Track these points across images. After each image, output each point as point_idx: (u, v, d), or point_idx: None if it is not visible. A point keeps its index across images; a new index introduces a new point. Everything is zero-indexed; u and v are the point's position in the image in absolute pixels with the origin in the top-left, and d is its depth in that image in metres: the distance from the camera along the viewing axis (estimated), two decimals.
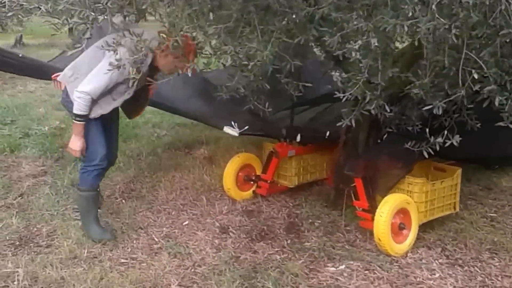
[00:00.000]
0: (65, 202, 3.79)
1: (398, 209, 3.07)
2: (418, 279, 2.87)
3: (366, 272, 2.94)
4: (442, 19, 2.34)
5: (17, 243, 3.21)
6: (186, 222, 3.53)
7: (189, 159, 4.76)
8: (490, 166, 4.36)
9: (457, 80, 2.62)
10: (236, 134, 3.20)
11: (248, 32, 2.80)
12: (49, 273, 2.81)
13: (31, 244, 3.18)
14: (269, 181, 3.77)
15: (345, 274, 2.92)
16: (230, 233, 3.38)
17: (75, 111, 2.99)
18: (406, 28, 2.40)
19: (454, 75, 2.65)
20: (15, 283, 2.74)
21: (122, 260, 3.02)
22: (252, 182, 3.91)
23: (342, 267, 2.99)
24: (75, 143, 3.09)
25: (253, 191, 3.91)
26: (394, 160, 3.18)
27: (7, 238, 3.27)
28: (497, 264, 3.02)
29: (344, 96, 2.69)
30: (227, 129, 3.26)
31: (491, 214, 3.67)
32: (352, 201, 3.35)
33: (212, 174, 4.33)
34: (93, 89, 2.93)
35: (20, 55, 4.18)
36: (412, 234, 3.15)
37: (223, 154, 4.74)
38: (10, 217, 3.50)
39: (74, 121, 3.05)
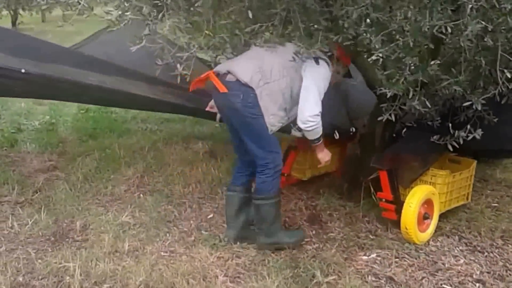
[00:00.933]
0: (85, 197, 3.81)
1: (425, 200, 3.25)
2: (446, 265, 3.06)
3: (397, 259, 3.11)
4: (483, 23, 2.53)
5: (52, 238, 3.23)
6: (211, 215, 3.61)
7: (190, 153, 4.81)
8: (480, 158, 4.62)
9: (490, 79, 2.84)
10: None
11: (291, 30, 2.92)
12: (99, 266, 2.83)
13: (67, 240, 3.20)
14: (286, 174, 3.87)
15: (378, 262, 3.08)
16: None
17: (315, 137, 3.03)
18: (450, 29, 2.58)
19: (488, 74, 2.87)
20: (67, 278, 2.74)
21: (163, 253, 3.07)
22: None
23: (374, 255, 3.15)
24: (325, 157, 3.19)
25: None
26: (418, 154, 3.37)
27: (40, 234, 3.28)
28: (511, 251, 3.24)
29: (389, 92, 2.85)
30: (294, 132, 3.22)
31: (494, 204, 3.92)
32: (370, 193, 3.52)
33: (219, 168, 4.40)
34: (319, 106, 2.94)
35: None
36: (433, 223, 3.36)
37: (223, 148, 4.82)
38: (37, 213, 3.49)
39: (314, 143, 3.07)
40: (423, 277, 2.93)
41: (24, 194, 3.80)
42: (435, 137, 3.22)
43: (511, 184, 4.32)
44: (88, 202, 3.72)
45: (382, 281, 2.87)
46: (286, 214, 3.67)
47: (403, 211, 3.21)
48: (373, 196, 3.59)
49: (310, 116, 2.92)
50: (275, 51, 2.96)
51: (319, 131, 3.01)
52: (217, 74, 2.96)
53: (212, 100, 3.15)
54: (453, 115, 3.38)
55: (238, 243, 3.17)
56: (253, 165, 3.08)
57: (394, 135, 3.74)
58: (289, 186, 4.09)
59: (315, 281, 2.82)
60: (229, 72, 2.92)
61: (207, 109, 3.24)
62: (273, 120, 2.94)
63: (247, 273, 2.91)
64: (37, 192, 3.84)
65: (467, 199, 3.68)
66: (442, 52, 3.11)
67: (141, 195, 3.89)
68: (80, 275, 2.78)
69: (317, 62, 2.94)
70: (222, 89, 2.89)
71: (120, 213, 3.53)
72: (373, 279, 2.89)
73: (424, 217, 3.29)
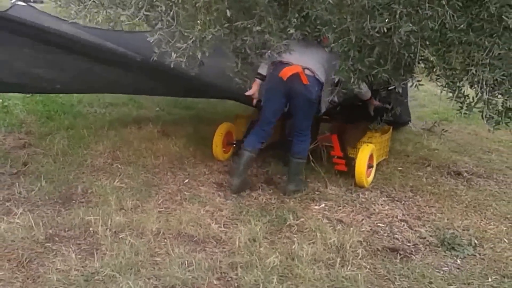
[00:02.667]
0: (70, 168, 4.32)
1: (370, 155, 4.28)
2: (376, 211, 4.07)
3: (339, 208, 4.06)
4: (411, 25, 3.52)
5: (60, 201, 3.75)
6: (186, 181, 4.32)
7: (146, 132, 5.41)
8: None
9: (409, 68, 3.87)
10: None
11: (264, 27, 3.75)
12: (114, 219, 3.47)
13: (73, 202, 3.75)
14: None
15: (327, 210, 4.01)
16: (227, 187, 4.25)
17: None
18: (386, 30, 3.55)
19: (407, 65, 3.89)
20: (91, 229, 3.36)
21: (159, 209, 3.76)
22: (233, 145, 4.80)
23: (322, 205, 4.08)
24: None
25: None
26: (357, 123, 4.44)
27: (47, 197, 3.79)
28: (420, 200, 4.33)
29: (336, 78, 3.80)
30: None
31: (400, 168, 5.02)
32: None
33: (176, 144, 5.09)
34: None
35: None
36: (373, 171, 4.49)
37: (172, 128, 5.51)
38: (37, 181, 3.96)
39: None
40: (362, 219, 3.90)
41: (13, 167, 4.23)
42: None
43: (408, 153, 5.46)
44: (75, 172, 4.24)
45: (334, 222, 3.80)
46: (249, 177, 4.45)
47: (357, 163, 4.22)
48: (312, 163, 4.52)
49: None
50: (322, 52, 4.09)
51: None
52: (302, 68, 3.98)
53: (254, 87, 4.13)
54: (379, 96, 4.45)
55: (239, 191, 4.12)
56: (268, 136, 4.25)
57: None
58: None
59: (288, 223, 3.68)
60: (307, 68, 3.99)
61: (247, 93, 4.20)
62: (323, 104, 4.13)
63: (233, 221, 3.70)
64: (25, 165, 4.28)
65: (386, 155, 4.79)
66: (374, 46, 4.06)
67: (119, 165, 4.48)
68: (102, 226, 3.39)
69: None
70: (306, 81, 3.96)
71: (110, 180, 4.12)
72: (327, 221, 3.80)
73: (368, 166, 4.30)
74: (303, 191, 4.22)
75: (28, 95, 6.24)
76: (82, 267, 2.97)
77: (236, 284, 2.95)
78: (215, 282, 2.96)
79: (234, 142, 4.91)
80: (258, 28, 3.62)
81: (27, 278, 2.84)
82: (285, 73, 3.97)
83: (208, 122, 5.68)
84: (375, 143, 4.62)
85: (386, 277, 3.17)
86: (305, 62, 4.03)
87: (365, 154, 4.35)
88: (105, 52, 3.70)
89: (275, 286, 2.92)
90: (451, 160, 5.31)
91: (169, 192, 4.07)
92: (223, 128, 4.83)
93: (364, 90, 4.30)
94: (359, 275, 3.11)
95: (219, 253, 3.24)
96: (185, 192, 4.08)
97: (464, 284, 3.17)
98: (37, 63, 3.83)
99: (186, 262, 3.09)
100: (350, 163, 4.45)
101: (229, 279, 3.00)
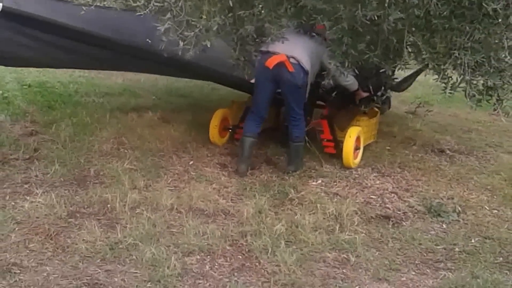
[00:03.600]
0: (79, 152, 4.55)
1: (356, 137, 4.59)
2: (368, 185, 4.41)
3: (335, 183, 4.39)
4: (399, 13, 3.83)
5: (75, 182, 4.02)
6: (191, 162, 4.60)
7: (146, 120, 5.67)
8: None
9: (398, 53, 4.20)
10: None
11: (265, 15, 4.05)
12: (129, 196, 3.74)
13: (88, 182, 4.02)
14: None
15: (324, 185, 4.33)
16: (229, 168, 4.55)
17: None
18: (376, 17, 3.86)
19: (396, 50, 4.22)
20: (108, 205, 3.64)
21: (170, 188, 4.05)
22: (229, 130, 5.09)
23: (319, 181, 4.40)
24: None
25: (235, 137, 5.07)
26: (347, 108, 4.75)
27: (63, 179, 4.05)
28: (408, 174, 4.67)
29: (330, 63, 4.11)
30: None
31: (388, 147, 5.37)
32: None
33: (176, 129, 5.36)
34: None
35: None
36: (360, 153, 4.79)
37: (171, 116, 5.79)
38: (51, 165, 4.21)
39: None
40: (356, 192, 4.24)
41: (25, 153, 4.45)
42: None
43: (395, 134, 5.82)
44: (85, 156, 4.49)
45: (331, 195, 4.12)
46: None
47: (344, 145, 4.53)
48: (308, 145, 4.83)
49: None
50: (308, 42, 4.37)
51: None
52: (287, 56, 4.22)
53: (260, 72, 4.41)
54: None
55: (246, 174, 4.42)
56: (263, 120, 4.56)
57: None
58: None
59: (289, 197, 4.00)
60: (292, 57, 4.23)
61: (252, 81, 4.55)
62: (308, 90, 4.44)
63: (239, 196, 4.01)
64: (36, 151, 4.51)
65: (374, 138, 5.11)
66: (365, 33, 4.38)
67: (126, 150, 4.73)
68: (118, 202, 3.67)
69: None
70: (291, 69, 4.25)
71: (119, 163, 4.38)
72: (325, 194, 4.13)
73: (355, 149, 4.62)
74: (299, 169, 4.53)
75: (25, 86, 6.45)
76: (106, 238, 3.25)
77: (247, 249, 3.26)
78: (228, 248, 3.27)
79: (230, 127, 5.19)
80: (259, 17, 3.90)
81: (57, 248, 3.11)
82: (271, 62, 4.26)
83: (205, 109, 5.94)
84: (363, 126, 4.92)
85: (380, 240, 3.51)
86: (290, 51, 4.29)
87: (352, 137, 4.65)
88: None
89: (282, 249, 3.23)
90: (435, 139, 5.66)
91: (176, 172, 4.35)
92: (219, 114, 5.11)
93: (351, 81, 4.61)
94: (356, 238, 3.45)
95: (229, 224, 3.55)
96: (192, 172, 4.37)
97: (450, 245, 3.52)
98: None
99: (200, 231, 3.39)
100: (339, 145, 4.75)
101: (240, 245, 3.31)
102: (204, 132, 5.20)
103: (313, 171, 4.59)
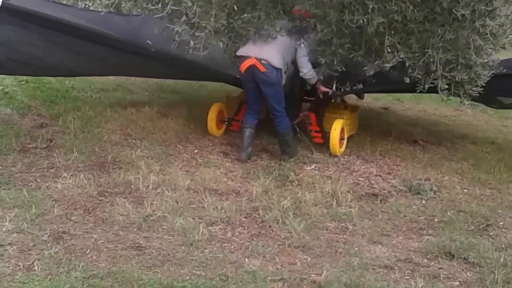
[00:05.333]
0: (91, 142, 4.95)
1: (341, 128, 5.16)
2: (356, 169, 4.97)
3: (326, 168, 4.94)
4: (382, 18, 4.42)
5: (95, 167, 4.45)
6: (196, 151, 5.08)
7: (145, 114, 6.07)
8: None
9: (379, 54, 4.78)
10: None
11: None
12: (150, 178, 4.22)
13: (108, 167, 4.46)
14: (240, 120, 5.48)
15: (317, 170, 4.88)
16: (231, 155, 5.05)
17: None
18: (362, 22, 4.44)
19: (377, 50, 4.80)
20: (132, 186, 4.10)
21: (182, 172, 4.51)
22: (225, 123, 5.59)
23: (312, 167, 4.94)
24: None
25: (230, 128, 5.58)
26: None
27: (84, 165, 4.47)
28: (388, 161, 5.26)
29: (323, 61, 4.67)
30: None
31: (369, 138, 5.94)
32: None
33: (176, 122, 5.81)
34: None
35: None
36: (345, 143, 5.35)
37: (167, 110, 6.24)
38: (70, 152, 4.62)
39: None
40: (346, 175, 4.80)
41: (42, 142, 4.83)
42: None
43: (373, 127, 6.40)
44: (98, 145, 4.90)
45: (325, 178, 4.67)
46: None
47: (331, 136, 5.07)
48: (299, 135, 5.38)
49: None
50: (281, 39, 4.77)
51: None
52: (257, 59, 4.66)
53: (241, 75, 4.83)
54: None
55: (247, 161, 4.91)
56: (259, 112, 5.01)
57: None
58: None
59: (290, 179, 4.53)
60: (262, 59, 4.64)
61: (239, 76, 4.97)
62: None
63: (245, 179, 4.51)
64: (51, 141, 4.90)
65: (355, 130, 5.71)
66: (351, 35, 4.93)
67: (133, 140, 5.17)
68: (141, 183, 4.13)
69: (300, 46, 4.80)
70: (263, 69, 4.68)
71: (132, 151, 4.82)
72: (319, 177, 4.67)
73: (340, 139, 5.19)
74: (293, 156, 5.06)
75: (23, 82, 6.77)
76: (137, 212, 3.71)
77: (260, 220, 3.78)
78: (243, 219, 3.78)
79: (226, 120, 5.70)
80: (261, 19, 4.43)
81: (97, 220, 3.56)
82: (243, 66, 4.77)
83: (197, 104, 6.45)
84: (346, 118, 5.50)
85: (371, 213, 4.08)
86: (260, 53, 4.72)
87: (338, 128, 5.21)
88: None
89: (291, 220, 3.76)
90: (408, 131, 6.29)
91: (184, 159, 4.83)
92: (215, 107, 5.60)
93: (308, 74, 4.96)
94: (352, 211, 4.01)
95: (242, 200, 4.05)
96: (198, 159, 4.85)
97: (430, 216, 4.11)
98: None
99: (218, 207, 3.89)
100: (326, 136, 5.32)
101: (254, 217, 3.82)
102: (201, 124, 5.68)
103: (306, 158, 5.13)
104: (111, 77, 7.62)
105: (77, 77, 7.17)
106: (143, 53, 4.56)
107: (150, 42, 4.63)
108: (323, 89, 5.16)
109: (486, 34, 4.31)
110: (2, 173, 4.10)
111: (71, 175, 4.16)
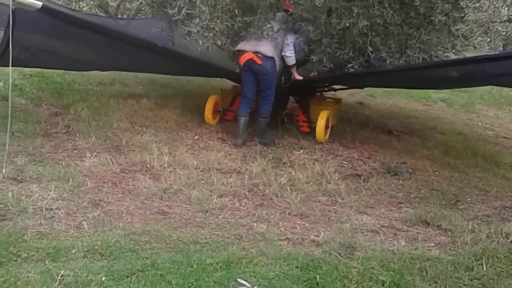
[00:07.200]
0: (104, 129, 5.47)
1: (326, 118, 5.82)
2: (339, 154, 5.64)
3: (313, 153, 5.57)
4: (366, 21, 5.07)
5: (112, 150, 4.97)
6: (196, 137, 5.66)
7: (146, 105, 6.62)
8: None
9: (362, 52, 5.45)
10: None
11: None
12: (162, 158, 4.76)
13: (123, 150, 4.99)
14: (235, 111, 6.07)
15: (305, 154, 5.51)
16: (228, 141, 5.65)
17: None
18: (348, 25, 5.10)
19: (361, 49, 5.47)
20: (147, 165, 4.65)
21: (188, 155, 5.07)
22: (220, 113, 6.19)
23: (301, 152, 5.57)
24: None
25: (225, 118, 6.17)
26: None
27: (103, 147, 4.99)
28: (367, 148, 5.91)
29: (314, 58, 5.31)
30: None
31: (348, 128, 6.62)
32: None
33: (174, 112, 6.37)
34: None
35: None
36: (329, 131, 6.01)
37: (164, 102, 6.80)
38: (88, 137, 5.13)
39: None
40: (331, 159, 5.45)
41: (61, 128, 5.33)
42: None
43: (351, 119, 7.09)
44: (111, 131, 5.43)
45: (313, 161, 5.30)
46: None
47: (317, 125, 5.72)
48: (287, 125, 6.01)
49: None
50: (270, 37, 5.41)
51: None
52: (253, 53, 5.32)
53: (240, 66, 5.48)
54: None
55: (242, 147, 5.50)
56: (252, 103, 5.57)
57: None
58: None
59: (283, 161, 5.16)
60: (258, 52, 5.28)
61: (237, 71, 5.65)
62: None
63: (244, 161, 5.11)
64: (68, 127, 5.41)
65: (336, 121, 6.37)
66: (337, 36, 5.58)
67: (140, 128, 5.71)
68: (156, 163, 4.69)
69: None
70: (259, 62, 5.30)
71: (141, 136, 5.37)
72: (308, 160, 5.30)
73: (326, 127, 5.85)
74: (271, 145, 5.63)
75: (28, 76, 7.22)
76: (156, 185, 4.26)
77: (262, 194, 4.38)
78: (247, 193, 4.37)
79: (221, 110, 6.29)
80: (261, 21, 5.05)
81: (124, 191, 4.10)
82: (242, 59, 5.49)
83: (189, 97, 7.08)
84: (330, 110, 6.16)
85: (356, 189, 4.73)
86: (256, 47, 5.45)
87: (324, 118, 5.89)
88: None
89: (288, 194, 4.38)
90: (383, 123, 7.00)
91: (187, 144, 5.40)
92: (212, 99, 6.19)
93: (289, 53, 5.56)
94: (340, 188, 4.65)
95: (244, 178, 4.64)
96: (200, 144, 5.43)
97: (407, 193, 4.78)
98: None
99: (225, 182, 4.47)
100: (312, 125, 5.97)
101: (257, 191, 4.42)
102: (196, 114, 6.27)
103: (294, 144, 5.76)
104: (105, 72, 8.11)
105: (75, 72, 7.65)
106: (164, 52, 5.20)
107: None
108: (298, 76, 5.81)
109: (459, 36, 4.99)
110: (34, 153, 4.60)
111: (94, 156, 4.68)
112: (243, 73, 5.60)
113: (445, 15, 4.90)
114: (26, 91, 6.56)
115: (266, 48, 5.46)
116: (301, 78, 5.80)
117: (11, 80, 4.45)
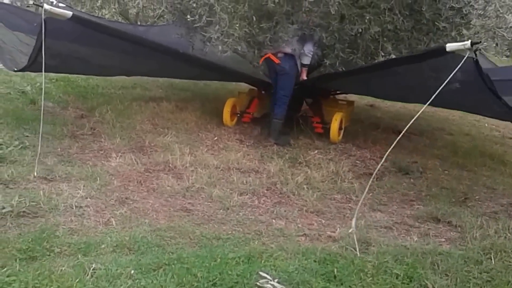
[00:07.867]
0: (127, 131, 5.72)
1: (341, 120, 6.04)
2: (353, 154, 5.85)
3: (326, 153, 5.79)
4: (378, 27, 5.30)
5: (135, 150, 5.23)
6: (216, 138, 5.90)
7: (167, 107, 6.85)
8: None
9: (375, 55, 5.67)
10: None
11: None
12: (184, 158, 5.01)
13: (146, 150, 5.24)
14: (252, 113, 6.33)
15: (320, 154, 5.73)
16: (246, 142, 5.89)
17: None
18: (361, 30, 5.32)
19: (374, 53, 5.68)
20: (170, 164, 4.89)
21: (208, 155, 5.32)
22: (237, 115, 6.44)
23: (316, 152, 5.80)
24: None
25: (242, 120, 6.42)
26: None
27: (128, 148, 5.25)
28: (379, 148, 6.10)
29: (325, 63, 5.55)
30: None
31: (360, 130, 6.84)
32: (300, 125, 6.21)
33: (194, 114, 6.62)
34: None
35: None
36: (342, 132, 6.21)
37: (183, 104, 7.05)
38: (113, 139, 5.40)
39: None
40: (345, 158, 5.67)
41: (87, 130, 5.60)
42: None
43: (363, 121, 7.31)
44: (135, 132, 5.69)
45: (328, 160, 5.53)
46: (259, 135, 6.11)
47: (331, 126, 5.95)
48: (302, 126, 6.24)
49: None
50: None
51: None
52: (272, 54, 5.60)
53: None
54: None
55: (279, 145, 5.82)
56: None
57: None
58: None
59: (299, 161, 5.39)
60: (279, 52, 5.56)
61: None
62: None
63: (263, 160, 5.35)
64: (94, 129, 5.68)
65: (349, 122, 6.59)
66: (350, 41, 5.80)
67: (162, 129, 5.96)
68: (178, 162, 4.94)
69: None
70: (277, 61, 5.56)
71: (163, 137, 5.62)
72: (323, 160, 5.53)
73: (339, 128, 6.07)
74: (284, 145, 5.87)
75: (53, 80, 7.52)
76: (179, 184, 4.51)
77: (279, 192, 4.61)
78: (265, 191, 4.61)
79: (238, 113, 6.53)
80: (276, 28, 5.29)
81: (149, 190, 4.35)
82: (261, 60, 5.84)
83: (207, 100, 7.32)
84: (344, 112, 6.39)
85: (371, 187, 4.90)
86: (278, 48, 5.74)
87: (338, 120, 6.11)
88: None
89: (305, 192, 4.61)
90: (393, 124, 7.21)
91: (207, 145, 5.64)
92: (230, 102, 6.44)
93: (307, 51, 5.79)
94: (354, 186, 4.87)
95: (262, 177, 4.88)
96: (219, 145, 5.68)
97: (418, 191, 4.99)
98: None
99: (244, 181, 4.71)
100: (326, 126, 6.19)
101: (275, 189, 4.65)
102: (215, 117, 6.51)
103: (309, 145, 5.99)
104: (127, 77, 8.38)
105: (99, 77, 7.94)
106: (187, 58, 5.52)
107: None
108: (304, 76, 6.03)
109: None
110: (62, 153, 4.87)
111: (119, 156, 4.94)
112: (269, 74, 5.92)
113: (449, 22, 5.09)
114: (53, 95, 6.84)
115: (287, 49, 5.71)
116: (304, 79, 6.03)
117: (44, 85, 4.67)
